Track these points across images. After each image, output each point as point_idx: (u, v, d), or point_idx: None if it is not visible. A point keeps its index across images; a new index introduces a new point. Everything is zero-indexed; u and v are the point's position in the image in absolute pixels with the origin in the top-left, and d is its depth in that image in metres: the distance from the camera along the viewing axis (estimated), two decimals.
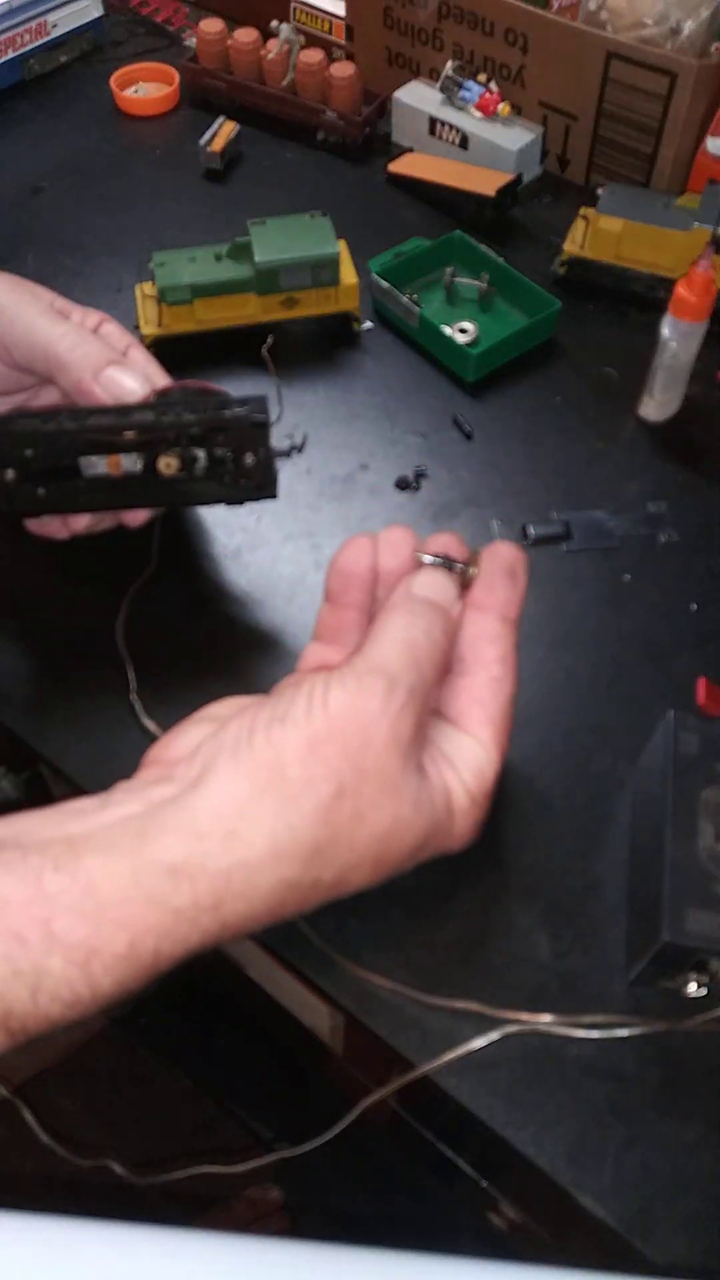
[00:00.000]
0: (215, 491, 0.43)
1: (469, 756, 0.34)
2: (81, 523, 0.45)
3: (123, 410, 0.41)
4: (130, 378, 0.42)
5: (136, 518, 0.45)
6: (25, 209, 0.69)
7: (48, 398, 0.47)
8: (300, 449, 0.44)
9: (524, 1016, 0.37)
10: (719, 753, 0.38)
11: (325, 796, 0.30)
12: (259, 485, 0.43)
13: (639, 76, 0.63)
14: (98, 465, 0.41)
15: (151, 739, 0.44)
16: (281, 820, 0.30)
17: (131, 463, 0.41)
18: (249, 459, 0.42)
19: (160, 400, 0.42)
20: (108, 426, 0.40)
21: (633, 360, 0.58)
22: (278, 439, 0.43)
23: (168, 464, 0.41)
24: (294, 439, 0.44)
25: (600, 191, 0.62)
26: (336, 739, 0.30)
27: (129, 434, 0.41)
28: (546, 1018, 0.37)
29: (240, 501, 0.44)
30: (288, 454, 0.43)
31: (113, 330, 0.47)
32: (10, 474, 0.41)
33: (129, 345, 0.46)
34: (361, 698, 0.31)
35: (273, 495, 0.44)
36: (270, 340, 0.57)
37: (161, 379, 0.46)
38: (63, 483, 0.42)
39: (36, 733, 0.45)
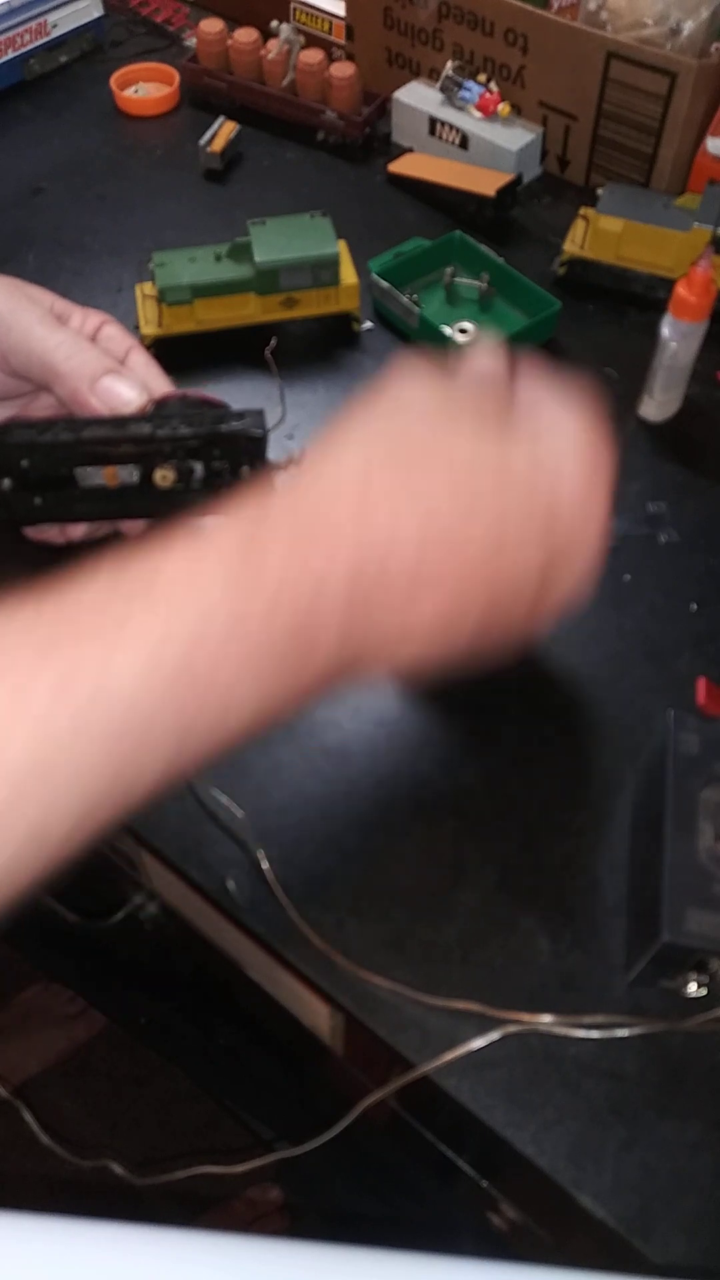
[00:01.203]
0: (212, 504, 0.43)
1: (569, 428, 0.34)
2: (79, 531, 0.45)
3: (119, 422, 0.41)
4: (126, 387, 0.42)
5: (134, 527, 0.45)
6: (25, 209, 0.69)
7: (45, 403, 0.47)
8: (298, 464, 0.44)
9: (524, 1016, 0.37)
10: (719, 753, 0.38)
11: (390, 412, 0.32)
12: None
13: (639, 76, 0.63)
14: (94, 476, 0.41)
15: None
16: (358, 432, 0.32)
17: (128, 474, 0.41)
18: (246, 472, 0.42)
19: (157, 412, 0.42)
20: (104, 439, 0.40)
21: (633, 360, 0.58)
22: (276, 444, 0.43)
23: (164, 476, 0.41)
24: (291, 447, 0.44)
25: (600, 191, 0.62)
26: (391, 387, 0.33)
27: (125, 447, 0.40)
28: (546, 1018, 0.37)
29: None
30: (285, 468, 0.43)
31: (114, 333, 0.46)
32: (7, 483, 0.41)
33: (130, 349, 0.46)
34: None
35: None
36: (274, 343, 0.57)
37: (162, 384, 0.45)
38: (59, 492, 0.42)
39: None
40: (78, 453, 0.41)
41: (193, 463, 0.41)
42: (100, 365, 0.42)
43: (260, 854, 0.40)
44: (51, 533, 0.45)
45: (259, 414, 0.42)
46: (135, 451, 0.41)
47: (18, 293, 0.44)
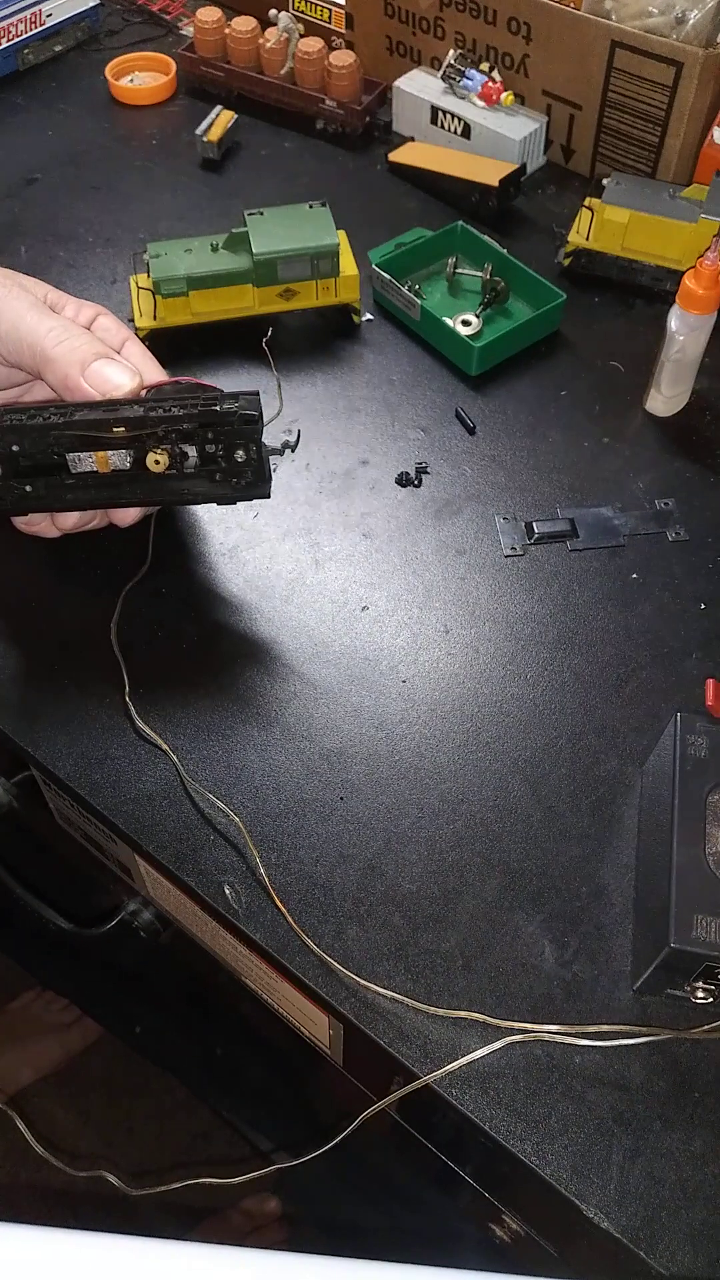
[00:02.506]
0: (206, 490, 0.42)
1: None
2: (69, 521, 0.44)
3: (111, 405, 0.40)
4: (117, 372, 0.41)
5: (126, 517, 0.44)
6: (19, 200, 0.68)
7: (41, 394, 0.46)
8: (294, 447, 0.43)
9: (528, 1025, 0.36)
10: None
11: None
12: (251, 484, 0.42)
13: (644, 66, 0.62)
14: (85, 462, 0.40)
15: (146, 743, 0.43)
16: None
17: (120, 459, 0.40)
18: (240, 456, 0.41)
19: (150, 396, 0.41)
20: (94, 421, 0.39)
21: (639, 354, 0.57)
22: (273, 435, 0.42)
23: (156, 461, 0.40)
24: (289, 437, 0.43)
25: (606, 182, 0.61)
26: None
27: (117, 430, 0.39)
28: (551, 1027, 0.36)
29: (232, 501, 0.43)
30: (281, 452, 0.42)
31: (109, 324, 0.45)
32: None
33: (125, 340, 0.45)
34: None
35: (265, 495, 0.42)
36: (269, 333, 0.56)
37: (158, 374, 0.44)
38: (50, 479, 0.41)
39: (29, 736, 0.44)
40: (69, 436, 0.39)
41: (186, 446, 0.40)
42: (91, 350, 0.41)
43: (258, 860, 0.40)
44: (42, 524, 0.44)
45: (254, 395, 0.41)
46: (127, 435, 0.40)
47: (10, 279, 0.43)
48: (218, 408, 0.40)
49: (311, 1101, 0.64)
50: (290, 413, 0.56)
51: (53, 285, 0.46)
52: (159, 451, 0.40)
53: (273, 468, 0.42)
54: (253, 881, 0.40)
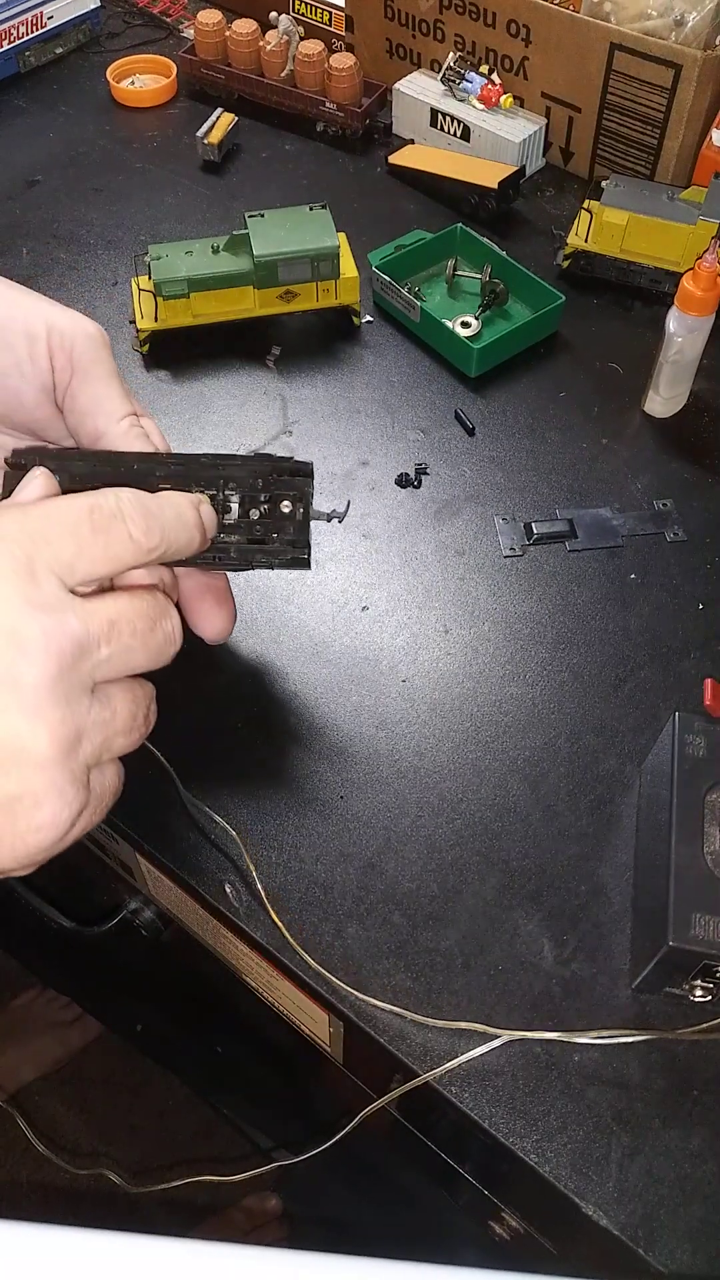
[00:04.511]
0: (243, 549, 0.39)
1: None
2: None
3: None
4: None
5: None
6: (20, 202, 0.69)
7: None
8: (341, 518, 0.41)
9: (527, 1024, 0.36)
10: None
11: None
12: (291, 542, 0.39)
13: (643, 68, 0.62)
14: None
15: (146, 745, 0.43)
16: None
17: None
18: (286, 508, 0.39)
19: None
20: (147, 455, 0.38)
21: (638, 355, 0.58)
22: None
23: (199, 501, 0.39)
24: (338, 506, 0.41)
25: (605, 184, 0.61)
26: None
27: (168, 463, 0.38)
28: (550, 1024, 0.36)
29: (269, 563, 0.40)
30: (329, 518, 0.40)
31: (150, 427, 0.42)
32: None
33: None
34: None
35: (305, 563, 0.39)
36: (276, 352, 0.56)
37: None
38: None
39: None
40: (121, 465, 0.38)
41: (229, 493, 0.39)
42: (146, 446, 0.39)
43: (254, 874, 0.40)
44: None
45: (308, 463, 0.39)
46: (176, 471, 0.38)
47: (105, 351, 0.38)
48: (271, 452, 0.39)
49: (312, 1099, 0.64)
50: (291, 414, 0.56)
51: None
52: (202, 491, 0.38)
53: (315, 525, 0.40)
54: (251, 884, 0.40)
